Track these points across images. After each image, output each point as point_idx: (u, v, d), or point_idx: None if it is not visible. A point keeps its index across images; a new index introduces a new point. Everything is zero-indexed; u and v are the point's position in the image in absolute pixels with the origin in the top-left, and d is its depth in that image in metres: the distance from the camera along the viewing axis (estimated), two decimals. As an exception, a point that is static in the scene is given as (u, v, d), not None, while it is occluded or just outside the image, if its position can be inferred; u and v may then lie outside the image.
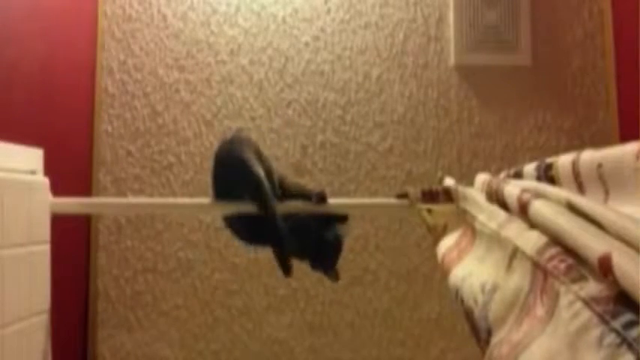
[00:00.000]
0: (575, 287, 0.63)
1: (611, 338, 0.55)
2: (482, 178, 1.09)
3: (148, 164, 1.87)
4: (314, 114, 1.91)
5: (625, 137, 1.80)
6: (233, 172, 1.27)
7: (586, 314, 0.59)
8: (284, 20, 1.93)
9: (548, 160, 0.92)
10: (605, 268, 0.59)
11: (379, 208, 1.67)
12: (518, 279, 0.79)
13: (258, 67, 1.92)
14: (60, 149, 1.57)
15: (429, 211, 1.26)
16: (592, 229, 0.66)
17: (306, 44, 1.93)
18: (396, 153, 1.90)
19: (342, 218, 1.35)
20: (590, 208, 0.68)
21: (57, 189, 1.41)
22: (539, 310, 0.70)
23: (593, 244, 0.63)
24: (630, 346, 0.53)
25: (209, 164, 1.86)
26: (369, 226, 1.88)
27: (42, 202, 1.35)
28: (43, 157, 1.41)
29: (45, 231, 1.35)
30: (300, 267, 1.87)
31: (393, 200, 1.37)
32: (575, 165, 0.83)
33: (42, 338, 1.31)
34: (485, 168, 1.25)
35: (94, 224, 1.84)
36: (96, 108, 1.88)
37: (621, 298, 0.57)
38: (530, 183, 0.93)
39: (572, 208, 0.72)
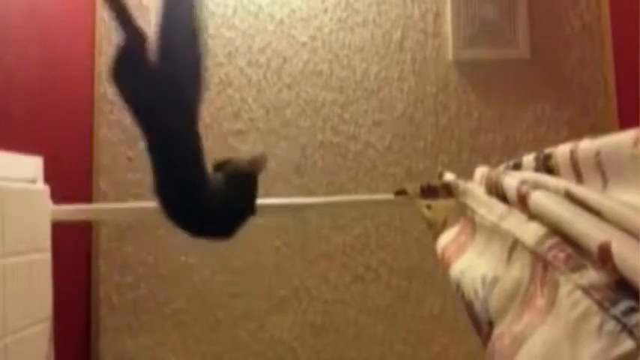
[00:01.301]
0: (575, 276, 0.63)
1: (611, 325, 0.54)
2: (481, 171, 1.09)
3: (148, 169, 1.86)
4: (313, 113, 1.90)
5: (624, 127, 1.77)
6: None
7: (585, 302, 0.59)
8: (281, 21, 1.92)
9: (547, 150, 0.91)
10: (604, 257, 0.58)
11: (378, 204, 1.67)
12: (519, 270, 0.78)
13: (256, 68, 1.91)
14: (59, 157, 1.57)
15: (429, 207, 1.26)
16: (591, 218, 0.65)
17: (304, 44, 1.93)
18: (395, 150, 1.90)
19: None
20: (589, 197, 0.68)
21: (57, 196, 1.41)
22: (540, 301, 0.69)
23: (592, 232, 0.62)
24: (630, 333, 0.52)
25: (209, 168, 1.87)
26: (370, 223, 1.87)
27: (42, 210, 1.35)
28: (43, 164, 1.41)
29: (46, 239, 1.35)
30: (301, 266, 1.89)
31: (391, 197, 1.37)
32: (573, 154, 0.82)
33: (45, 346, 1.31)
34: (485, 162, 1.24)
35: (95, 230, 1.84)
36: (95, 114, 1.87)
37: (620, 285, 0.56)
38: (529, 174, 0.92)
39: (571, 198, 0.71)
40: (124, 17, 1.16)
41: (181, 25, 1.21)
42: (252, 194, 1.30)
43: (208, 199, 1.24)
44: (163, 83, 1.16)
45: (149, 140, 1.18)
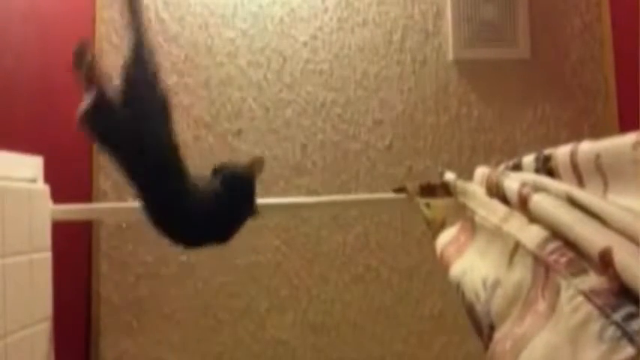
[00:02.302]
0: (576, 281, 0.63)
1: (611, 331, 0.55)
2: (481, 171, 1.09)
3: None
4: (313, 113, 1.90)
5: (624, 127, 1.79)
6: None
7: (586, 308, 0.59)
8: (282, 20, 1.92)
9: (547, 151, 0.91)
10: (606, 262, 0.58)
11: (378, 203, 1.67)
12: (520, 274, 0.78)
13: (256, 68, 1.91)
14: (59, 156, 1.57)
15: (428, 205, 1.26)
16: (593, 222, 0.65)
17: (304, 44, 1.92)
18: (395, 150, 1.90)
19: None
20: (590, 202, 0.68)
21: (57, 196, 1.41)
22: (541, 305, 0.69)
23: (593, 237, 0.62)
24: (631, 339, 0.52)
25: (208, 167, 1.87)
26: (370, 223, 1.87)
27: (42, 209, 1.35)
28: (43, 164, 1.41)
29: (46, 238, 1.35)
30: (301, 266, 1.89)
31: (390, 195, 1.37)
32: (573, 156, 0.82)
33: (45, 345, 1.31)
34: (485, 162, 1.24)
35: (95, 230, 1.84)
36: (95, 114, 1.87)
37: (621, 291, 0.56)
38: (529, 175, 0.92)
39: (573, 202, 0.71)
40: (91, 76, 1.21)
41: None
42: (251, 196, 1.31)
43: (198, 206, 1.25)
44: (131, 119, 1.21)
45: (127, 170, 1.22)
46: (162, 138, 1.24)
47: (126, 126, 1.20)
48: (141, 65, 1.23)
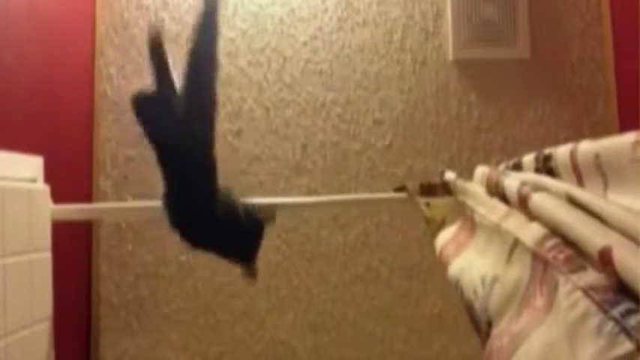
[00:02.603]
0: (574, 277, 0.63)
1: (609, 327, 0.55)
2: (481, 170, 1.09)
3: (148, 169, 1.86)
4: (313, 113, 1.90)
5: (625, 127, 1.79)
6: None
7: (585, 303, 0.59)
8: (281, 20, 1.92)
9: (547, 150, 0.91)
10: (605, 261, 0.58)
11: (378, 203, 1.68)
12: (518, 271, 0.78)
13: (256, 68, 1.91)
14: (60, 156, 1.57)
15: (428, 204, 1.26)
16: (592, 222, 0.65)
17: (305, 44, 1.93)
18: (395, 150, 1.90)
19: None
20: (590, 201, 0.68)
21: (57, 196, 1.41)
22: (539, 301, 0.70)
23: (593, 236, 0.62)
24: (629, 335, 0.52)
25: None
26: (370, 222, 1.87)
27: (43, 209, 1.35)
28: (43, 164, 1.41)
29: (46, 238, 1.35)
30: (301, 266, 1.89)
31: (391, 194, 1.37)
32: (573, 155, 0.82)
33: (45, 345, 1.31)
34: (485, 162, 1.24)
35: (96, 230, 1.84)
36: (95, 114, 1.87)
37: (620, 288, 0.56)
38: (529, 175, 0.92)
39: (573, 201, 0.71)
40: (161, 66, 1.25)
41: (202, 70, 1.30)
42: (259, 237, 1.33)
43: (215, 215, 1.26)
44: (185, 125, 1.23)
45: (163, 167, 1.23)
46: (206, 146, 1.25)
47: (175, 126, 1.22)
48: (205, 66, 1.27)
